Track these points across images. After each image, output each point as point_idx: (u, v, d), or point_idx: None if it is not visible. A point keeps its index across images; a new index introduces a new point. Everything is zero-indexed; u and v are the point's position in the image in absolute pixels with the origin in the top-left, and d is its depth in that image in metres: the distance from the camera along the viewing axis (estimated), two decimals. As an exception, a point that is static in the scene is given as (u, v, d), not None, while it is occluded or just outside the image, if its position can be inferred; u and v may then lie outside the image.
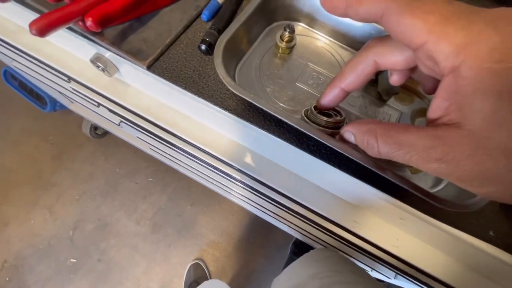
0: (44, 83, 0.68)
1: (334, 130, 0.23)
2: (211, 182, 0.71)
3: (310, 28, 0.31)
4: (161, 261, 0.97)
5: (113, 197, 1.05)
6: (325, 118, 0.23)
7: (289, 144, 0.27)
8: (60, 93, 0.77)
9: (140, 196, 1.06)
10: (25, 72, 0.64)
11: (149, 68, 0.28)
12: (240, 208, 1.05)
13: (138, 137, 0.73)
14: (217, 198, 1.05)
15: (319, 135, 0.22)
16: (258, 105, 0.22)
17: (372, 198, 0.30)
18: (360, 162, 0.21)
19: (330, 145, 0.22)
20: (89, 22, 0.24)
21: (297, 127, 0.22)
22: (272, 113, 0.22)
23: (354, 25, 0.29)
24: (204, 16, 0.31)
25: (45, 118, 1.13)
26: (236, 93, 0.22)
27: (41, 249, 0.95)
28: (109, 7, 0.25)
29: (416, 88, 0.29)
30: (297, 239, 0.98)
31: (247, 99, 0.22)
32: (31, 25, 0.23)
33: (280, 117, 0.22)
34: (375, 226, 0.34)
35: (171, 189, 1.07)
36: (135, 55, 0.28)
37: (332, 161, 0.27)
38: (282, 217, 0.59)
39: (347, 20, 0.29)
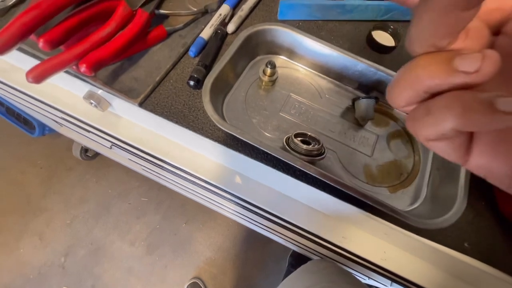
0: (33, 110, 0.68)
1: (314, 157, 0.25)
2: (205, 200, 0.72)
3: (291, 60, 0.33)
4: (158, 282, 0.95)
5: (106, 219, 1.03)
6: (304, 147, 0.25)
7: (277, 171, 0.29)
8: (50, 118, 0.77)
9: (133, 216, 1.05)
10: (13, 100, 0.64)
11: (141, 105, 0.30)
12: (236, 223, 1.05)
13: (130, 159, 0.73)
14: (212, 214, 1.05)
15: (302, 165, 0.23)
16: (245, 140, 0.24)
17: (357, 215, 0.31)
18: (339, 188, 0.23)
19: (312, 174, 0.23)
20: (83, 68, 0.26)
21: (283, 159, 0.24)
22: (259, 147, 0.24)
23: (331, 56, 0.32)
24: (191, 53, 0.33)
25: (33, 142, 1.11)
26: (225, 130, 0.24)
27: (31, 279, 0.92)
28: (102, 53, 0.27)
29: (390, 112, 0.32)
30: (294, 251, 0.98)
31: (235, 135, 0.24)
32: (27, 74, 0.24)
33: (266, 150, 0.24)
34: (363, 240, 0.36)
35: (165, 207, 1.07)
36: (127, 93, 0.29)
37: (317, 184, 0.28)
38: (278, 232, 0.60)
39: (324, 52, 0.32)
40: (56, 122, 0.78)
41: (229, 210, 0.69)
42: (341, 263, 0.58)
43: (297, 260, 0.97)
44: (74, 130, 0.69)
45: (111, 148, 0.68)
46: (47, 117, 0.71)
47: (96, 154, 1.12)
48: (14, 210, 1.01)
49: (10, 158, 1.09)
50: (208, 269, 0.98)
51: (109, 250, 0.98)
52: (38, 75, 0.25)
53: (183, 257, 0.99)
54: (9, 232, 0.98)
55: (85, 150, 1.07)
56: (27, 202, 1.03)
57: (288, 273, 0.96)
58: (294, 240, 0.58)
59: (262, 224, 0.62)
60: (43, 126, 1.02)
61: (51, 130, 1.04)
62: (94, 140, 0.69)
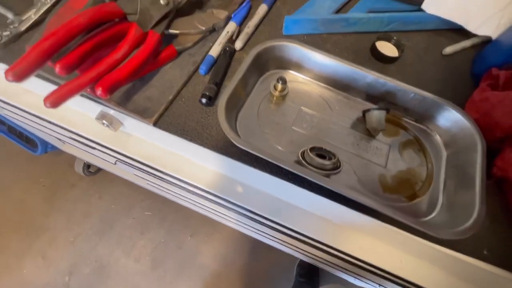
0: (37, 129, 0.68)
1: (330, 171, 0.25)
2: (211, 212, 0.71)
3: (299, 74, 0.34)
4: (164, 299, 0.93)
5: (110, 235, 1.02)
6: (320, 161, 0.25)
7: (293, 184, 0.29)
8: (54, 137, 0.77)
9: (137, 231, 1.03)
10: (18, 120, 0.64)
11: (155, 124, 0.30)
12: (241, 233, 1.04)
13: (135, 174, 0.73)
14: (217, 226, 1.04)
15: (320, 179, 0.24)
16: (264, 157, 0.24)
17: (374, 226, 0.31)
18: (358, 201, 0.23)
19: (329, 187, 0.24)
20: (99, 91, 0.26)
21: (300, 174, 0.24)
22: (277, 163, 0.24)
23: (339, 69, 0.32)
24: (201, 71, 0.33)
25: (35, 160, 1.11)
26: (242, 148, 0.24)
27: (35, 300, 0.90)
28: (117, 75, 0.27)
29: (400, 122, 0.32)
30: (301, 260, 0.97)
31: (254, 153, 0.24)
32: (45, 100, 0.24)
33: (283, 166, 0.24)
34: (379, 250, 0.35)
35: (169, 221, 1.06)
36: (141, 113, 0.30)
37: (333, 197, 0.29)
38: (289, 243, 0.59)
39: (332, 65, 0.32)
40: (60, 140, 0.78)
41: (237, 222, 0.68)
42: (353, 271, 0.57)
43: (306, 269, 0.95)
44: (80, 148, 0.68)
45: (115, 163, 0.67)
46: (51, 135, 0.71)
47: (99, 170, 1.11)
48: (16, 229, 1.00)
49: (12, 177, 1.08)
50: (215, 282, 0.96)
51: (114, 267, 0.97)
52: (55, 100, 0.25)
53: (189, 271, 0.98)
54: (11, 252, 0.96)
55: (87, 166, 1.06)
56: (30, 221, 1.02)
57: (296, 283, 0.94)
58: (307, 251, 0.57)
59: (274, 237, 0.61)
60: (45, 144, 1.02)
61: (54, 148, 1.03)
62: (98, 157, 0.68)
